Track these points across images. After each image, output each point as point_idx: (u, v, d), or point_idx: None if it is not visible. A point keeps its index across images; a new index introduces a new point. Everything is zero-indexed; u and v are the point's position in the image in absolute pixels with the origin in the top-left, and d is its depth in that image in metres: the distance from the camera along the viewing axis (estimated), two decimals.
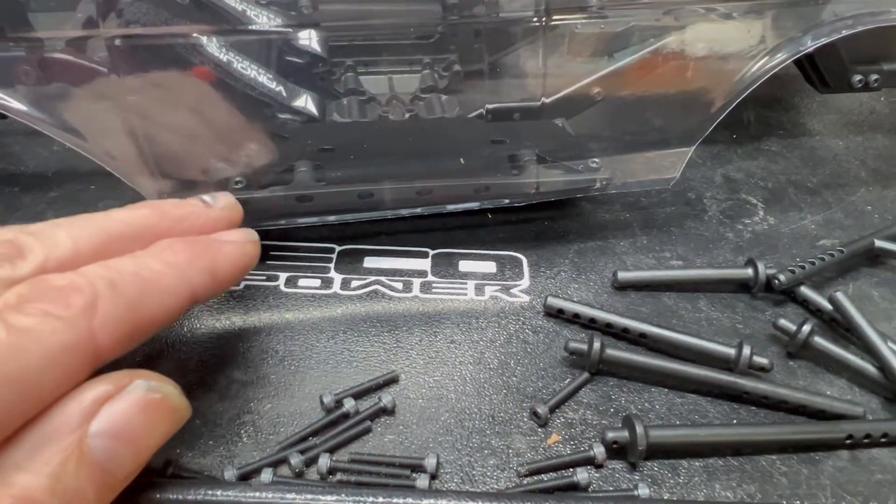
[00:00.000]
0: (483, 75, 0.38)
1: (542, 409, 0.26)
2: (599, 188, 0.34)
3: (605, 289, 0.33)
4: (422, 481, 0.23)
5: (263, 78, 0.34)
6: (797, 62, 0.43)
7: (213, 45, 0.33)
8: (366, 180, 0.33)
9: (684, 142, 0.34)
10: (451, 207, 0.34)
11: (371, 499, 0.21)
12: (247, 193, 0.31)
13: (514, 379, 0.28)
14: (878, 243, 0.34)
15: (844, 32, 0.36)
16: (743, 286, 0.33)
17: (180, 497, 0.22)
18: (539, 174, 0.33)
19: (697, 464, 0.25)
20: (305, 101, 0.35)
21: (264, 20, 0.37)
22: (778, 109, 0.48)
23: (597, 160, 0.34)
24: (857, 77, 0.41)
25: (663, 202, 0.39)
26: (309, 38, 0.36)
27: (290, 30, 0.35)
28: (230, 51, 0.33)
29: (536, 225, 0.36)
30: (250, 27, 0.34)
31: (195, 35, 0.32)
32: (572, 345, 0.28)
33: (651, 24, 0.36)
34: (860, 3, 0.36)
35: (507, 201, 0.34)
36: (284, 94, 0.35)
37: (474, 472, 0.24)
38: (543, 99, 0.36)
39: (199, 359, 0.28)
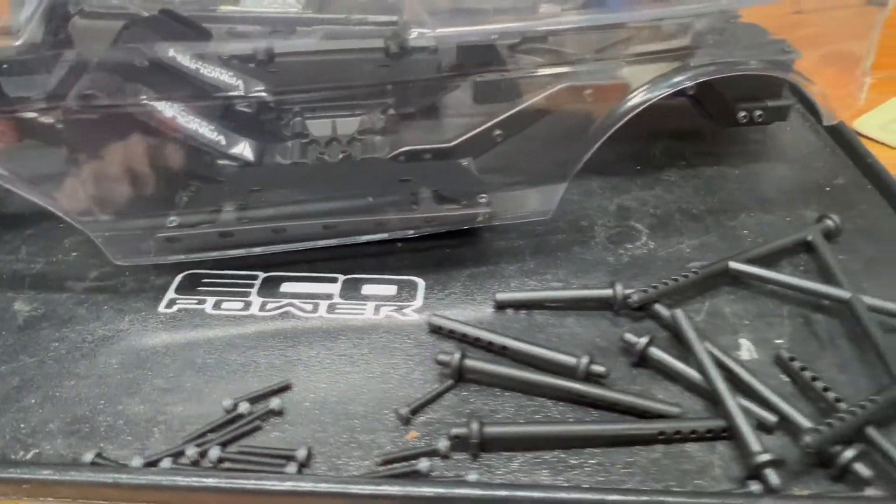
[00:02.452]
0: (413, 119, 0.44)
1: (404, 410, 0.31)
2: (482, 221, 0.39)
3: (488, 309, 0.38)
4: (290, 468, 0.28)
5: (205, 129, 0.40)
6: (693, 101, 0.48)
7: (160, 106, 0.39)
8: (283, 218, 0.38)
9: (559, 178, 0.39)
10: (352, 240, 0.39)
11: (241, 481, 0.27)
12: (177, 231, 0.37)
13: (390, 385, 0.33)
14: (732, 265, 0.38)
15: (707, 78, 0.41)
16: (607, 304, 0.37)
17: (95, 479, 0.27)
18: (430, 209, 0.39)
19: (529, 455, 0.30)
20: (243, 148, 0.41)
21: (218, 77, 0.43)
22: (685, 141, 0.52)
23: (485, 196, 0.40)
24: (742, 113, 0.46)
25: (557, 230, 0.43)
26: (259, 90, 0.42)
27: (236, 95, 0.41)
28: (174, 109, 0.39)
29: (438, 252, 0.41)
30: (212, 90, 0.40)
31: (143, 100, 0.38)
32: (440, 356, 0.33)
33: (548, 73, 0.42)
34: (720, 54, 0.41)
35: (407, 233, 0.39)
36: (224, 142, 0.41)
37: (339, 462, 0.30)
38: (454, 141, 0.42)
39: (125, 369, 0.34)
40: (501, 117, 0.42)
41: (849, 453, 0.28)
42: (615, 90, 0.40)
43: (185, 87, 0.41)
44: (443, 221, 0.39)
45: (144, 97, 0.39)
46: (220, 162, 0.41)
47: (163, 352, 0.35)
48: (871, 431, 0.29)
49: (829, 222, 0.42)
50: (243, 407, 0.31)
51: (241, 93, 0.42)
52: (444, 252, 0.42)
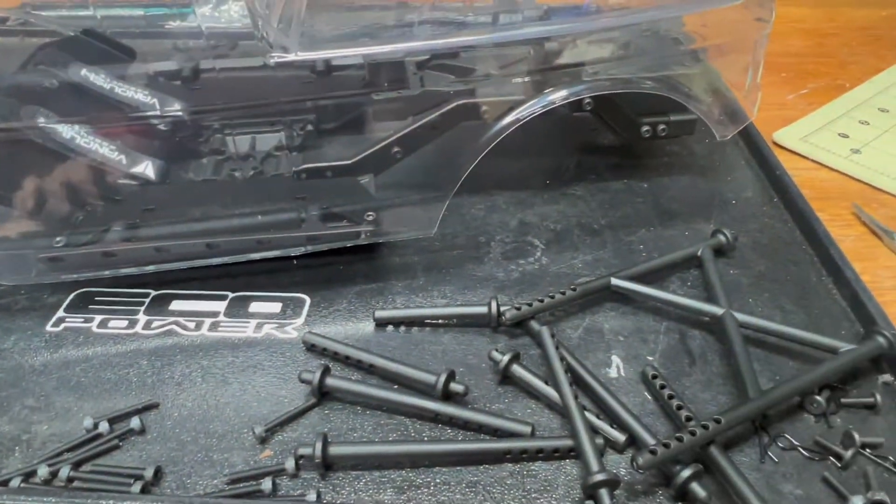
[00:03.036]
0: (330, 135, 0.45)
1: (258, 430, 0.31)
2: (364, 239, 0.39)
3: (369, 326, 0.38)
4: (135, 487, 0.29)
5: (105, 150, 0.41)
6: (595, 115, 0.48)
7: (60, 128, 0.40)
8: (166, 237, 0.39)
9: (441, 196, 0.40)
10: (241, 258, 0.40)
11: (79, 500, 0.27)
12: (61, 251, 0.38)
13: (256, 404, 0.34)
14: (615, 282, 0.39)
15: (590, 94, 0.41)
16: (485, 321, 0.38)
17: None
18: (314, 228, 0.39)
19: (377, 474, 0.30)
20: (145, 168, 0.41)
21: (133, 96, 0.44)
22: (599, 154, 0.52)
23: (372, 213, 0.40)
24: (645, 128, 0.46)
25: (454, 246, 0.44)
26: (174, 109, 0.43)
27: (149, 114, 0.42)
28: (74, 130, 0.40)
29: (331, 269, 0.42)
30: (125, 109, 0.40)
31: (40, 123, 0.39)
32: (303, 375, 0.33)
33: (443, 90, 0.42)
34: (615, 70, 0.42)
35: (290, 252, 0.40)
36: (125, 162, 0.41)
37: (189, 481, 0.30)
38: (354, 158, 0.42)
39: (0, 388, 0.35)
40: (398, 135, 0.42)
41: (685, 473, 0.28)
42: (508, 107, 0.41)
43: (97, 106, 0.42)
44: (325, 240, 0.39)
45: (42, 120, 0.40)
46: (121, 181, 0.42)
47: (40, 370, 0.35)
48: (714, 451, 0.29)
49: (721, 237, 0.42)
50: (103, 426, 0.32)
51: (157, 111, 0.43)
52: (338, 269, 0.42)
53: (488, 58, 0.45)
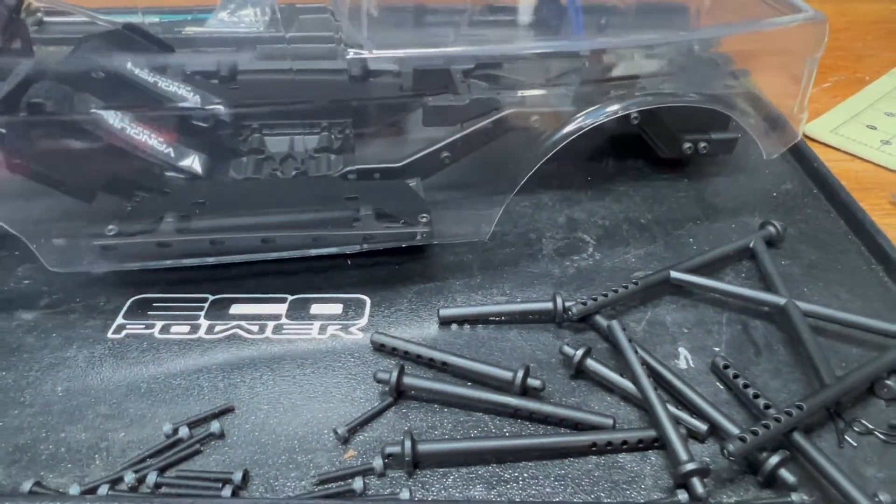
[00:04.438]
0: (370, 138, 0.45)
1: (341, 430, 0.31)
2: (419, 240, 0.39)
3: (432, 324, 0.38)
4: (226, 491, 0.29)
5: (154, 142, 0.40)
6: (640, 130, 0.48)
7: (109, 117, 0.39)
8: (221, 230, 0.39)
9: (496, 202, 0.40)
10: (297, 254, 0.39)
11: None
12: (115, 240, 0.38)
13: (331, 405, 0.34)
14: (674, 275, 0.39)
15: (640, 108, 0.41)
16: (550, 317, 0.38)
17: None
18: (369, 227, 0.39)
19: (464, 471, 0.30)
20: (192, 162, 0.41)
21: (176, 91, 0.43)
22: (636, 152, 0.53)
23: (426, 215, 0.40)
24: (687, 145, 0.47)
25: (505, 243, 0.44)
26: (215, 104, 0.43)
27: (192, 108, 0.42)
28: (124, 120, 0.40)
29: (387, 269, 0.42)
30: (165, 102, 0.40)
31: (92, 111, 0.39)
32: (379, 374, 0.33)
33: (494, 97, 0.42)
34: (663, 85, 0.42)
35: (345, 250, 0.40)
36: (173, 155, 0.41)
37: (276, 483, 0.30)
38: (403, 161, 0.42)
39: (70, 396, 0.34)
40: (448, 140, 0.42)
41: (773, 459, 0.29)
42: (558, 117, 0.41)
43: (140, 98, 0.41)
44: (380, 239, 0.39)
45: (94, 107, 0.39)
46: (168, 174, 0.41)
47: (108, 378, 0.35)
48: (798, 437, 0.30)
49: (771, 229, 0.43)
50: (183, 431, 0.31)
51: (198, 106, 0.43)
52: (393, 269, 0.42)
53: (535, 69, 0.45)
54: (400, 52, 0.38)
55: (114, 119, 0.39)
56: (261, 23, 0.60)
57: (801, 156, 0.51)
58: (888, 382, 0.33)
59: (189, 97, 0.43)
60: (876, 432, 0.32)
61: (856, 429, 0.32)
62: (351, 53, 0.37)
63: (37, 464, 0.31)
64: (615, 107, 0.40)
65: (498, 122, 0.42)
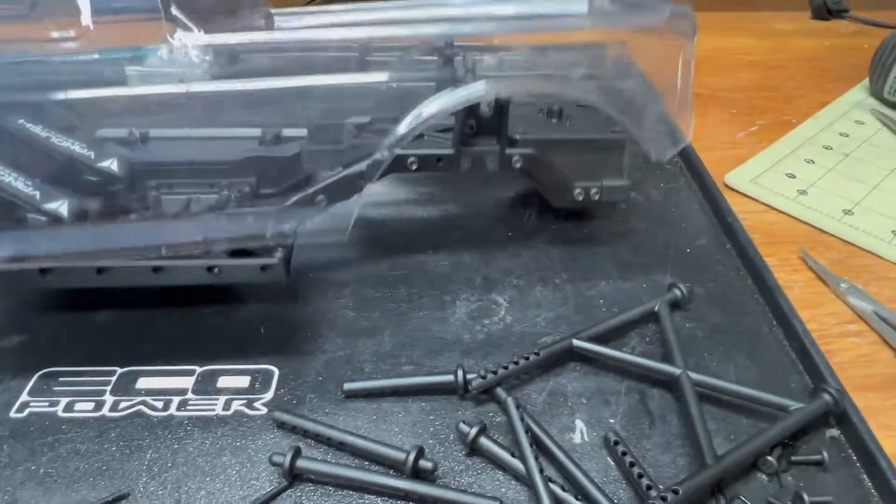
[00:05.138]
0: (266, 200, 0.45)
1: None
2: (267, 276, 0.39)
3: (338, 397, 0.39)
4: None
5: (20, 183, 0.40)
6: (525, 174, 0.48)
7: None
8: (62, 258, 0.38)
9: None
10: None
11: None
12: None
13: (227, 489, 0.34)
14: (576, 343, 0.40)
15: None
16: (452, 389, 0.39)
17: None
18: (215, 259, 0.39)
19: None
20: (59, 206, 0.40)
21: (68, 147, 0.43)
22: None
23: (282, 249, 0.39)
24: (577, 191, 0.47)
25: (420, 306, 0.45)
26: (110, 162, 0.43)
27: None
28: None
29: (298, 336, 0.42)
30: None
31: None
32: (274, 457, 0.34)
33: (372, 142, 0.42)
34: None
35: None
36: (38, 197, 0.40)
37: None
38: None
39: None
40: (323, 184, 0.42)
41: None
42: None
43: (26, 150, 0.41)
44: (227, 275, 0.39)
45: None
46: (31, 215, 0.40)
47: (5, 463, 0.35)
48: None
49: (676, 291, 0.44)
50: None
51: (91, 163, 0.43)
52: (305, 335, 0.42)
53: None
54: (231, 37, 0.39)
55: None
56: (201, 63, 0.60)
57: (717, 209, 0.53)
58: (769, 458, 0.34)
59: (84, 153, 0.43)
60: None
61: None
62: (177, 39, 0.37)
63: None
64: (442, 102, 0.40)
65: (372, 166, 0.42)
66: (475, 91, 0.41)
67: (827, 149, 0.62)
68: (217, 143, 0.48)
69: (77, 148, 0.43)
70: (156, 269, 0.38)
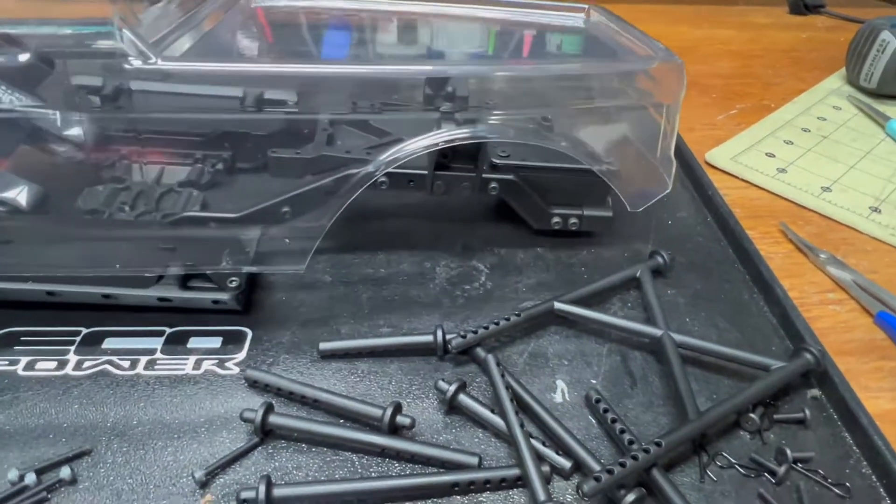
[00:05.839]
0: (240, 177, 0.43)
1: (198, 474, 0.30)
2: (218, 306, 0.38)
3: (313, 358, 0.37)
4: None
5: None
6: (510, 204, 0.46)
7: None
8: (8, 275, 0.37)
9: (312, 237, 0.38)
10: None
11: None
12: None
13: (195, 446, 0.32)
14: (557, 306, 0.39)
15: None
16: (431, 350, 0.38)
17: None
18: (166, 290, 0.38)
19: None
20: (17, 193, 0.38)
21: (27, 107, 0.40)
22: None
23: (236, 279, 0.38)
24: (555, 219, 0.45)
25: (399, 272, 0.44)
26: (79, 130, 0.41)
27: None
28: None
29: (273, 300, 0.41)
30: None
31: None
32: (245, 413, 0.33)
33: (340, 155, 0.41)
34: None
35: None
36: None
37: None
38: (240, 213, 0.39)
39: None
40: (290, 194, 0.40)
41: (630, 498, 0.29)
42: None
43: None
44: (177, 303, 0.38)
45: None
46: None
47: None
48: (656, 474, 0.30)
49: (658, 259, 0.43)
50: (29, 478, 0.30)
51: (57, 131, 0.41)
52: (280, 299, 0.41)
53: (401, 121, 0.44)
54: (187, 66, 0.37)
55: None
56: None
57: (698, 183, 0.53)
58: (752, 416, 0.34)
59: (48, 115, 0.40)
60: (736, 466, 0.32)
61: (718, 463, 0.32)
62: (134, 62, 0.36)
63: None
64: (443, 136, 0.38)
65: (340, 181, 0.39)
66: (459, 135, 0.38)
67: (805, 131, 0.62)
68: (196, 101, 0.45)
69: (38, 110, 0.40)
70: (106, 296, 0.37)
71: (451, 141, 0.38)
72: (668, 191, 0.45)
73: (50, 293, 0.36)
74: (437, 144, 0.38)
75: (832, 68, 0.76)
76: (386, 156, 0.38)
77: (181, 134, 0.44)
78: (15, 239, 0.37)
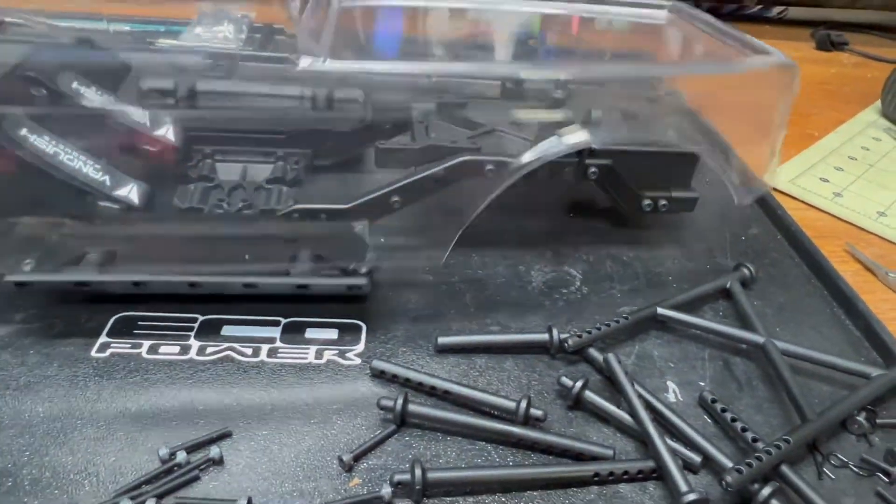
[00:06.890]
0: (326, 173, 0.44)
1: (346, 457, 0.31)
2: (355, 292, 0.38)
3: (429, 352, 0.38)
4: None
5: (88, 168, 0.38)
6: (599, 186, 0.48)
7: (41, 140, 0.37)
8: (145, 272, 0.37)
9: (442, 244, 0.40)
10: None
11: None
12: (29, 276, 0.36)
13: (332, 431, 0.33)
14: (660, 311, 0.41)
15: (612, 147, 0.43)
16: (544, 348, 0.39)
17: None
18: (303, 275, 0.38)
19: (471, 500, 0.30)
20: (129, 191, 0.39)
21: (123, 111, 0.41)
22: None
23: (366, 266, 0.39)
24: (647, 202, 0.47)
25: (496, 274, 0.45)
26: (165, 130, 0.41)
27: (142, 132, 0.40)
28: (59, 144, 0.37)
29: (382, 295, 0.42)
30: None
31: (22, 133, 0.37)
32: (382, 401, 0.33)
33: (448, 145, 0.43)
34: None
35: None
36: (108, 183, 0.39)
37: None
38: (350, 203, 0.41)
39: (53, 418, 0.32)
40: (399, 184, 0.41)
41: (766, 491, 0.30)
42: (511, 166, 0.41)
43: (84, 121, 0.39)
44: (315, 289, 0.38)
45: (25, 130, 0.37)
46: (102, 203, 0.38)
47: (94, 399, 0.34)
48: (785, 469, 0.32)
49: (745, 271, 0.45)
50: (180, 456, 0.30)
51: (147, 130, 0.41)
52: (388, 295, 0.42)
53: (496, 110, 0.46)
54: (356, 65, 0.38)
55: (46, 144, 0.37)
56: (236, 41, 0.59)
57: (764, 203, 0.55)
58: (859, 419, 0.35)
59: (139, 119, 0.41)
60: (850, 466, 0.34)
61: (832, 462, 0.34)
62: (303, 62, 0.37)
63: (19, 490, 0.29)
64: (562, 147, 0.41)
65: (451, 170, 0.41)
66: (582, 140, 0.42)
67: (852, 159, 0.65)
68: (267, 101, 0.46)
69: (132, 112, 0.41)
70: (247, 285, 0.38)
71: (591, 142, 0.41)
72: (770, 189, 0.49)
73: (192, 284, 0.37)
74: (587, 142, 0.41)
75: (865, 102, 0.79)
76: (538, 149, 0.40)
77: (262, 132, 0.45)
78: (140, 234, 0.38)
